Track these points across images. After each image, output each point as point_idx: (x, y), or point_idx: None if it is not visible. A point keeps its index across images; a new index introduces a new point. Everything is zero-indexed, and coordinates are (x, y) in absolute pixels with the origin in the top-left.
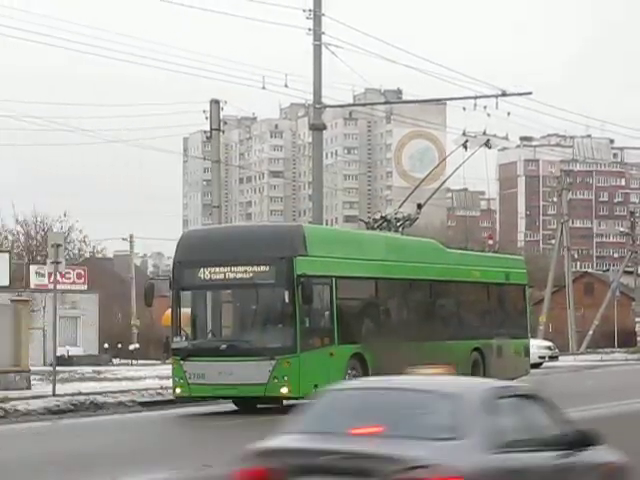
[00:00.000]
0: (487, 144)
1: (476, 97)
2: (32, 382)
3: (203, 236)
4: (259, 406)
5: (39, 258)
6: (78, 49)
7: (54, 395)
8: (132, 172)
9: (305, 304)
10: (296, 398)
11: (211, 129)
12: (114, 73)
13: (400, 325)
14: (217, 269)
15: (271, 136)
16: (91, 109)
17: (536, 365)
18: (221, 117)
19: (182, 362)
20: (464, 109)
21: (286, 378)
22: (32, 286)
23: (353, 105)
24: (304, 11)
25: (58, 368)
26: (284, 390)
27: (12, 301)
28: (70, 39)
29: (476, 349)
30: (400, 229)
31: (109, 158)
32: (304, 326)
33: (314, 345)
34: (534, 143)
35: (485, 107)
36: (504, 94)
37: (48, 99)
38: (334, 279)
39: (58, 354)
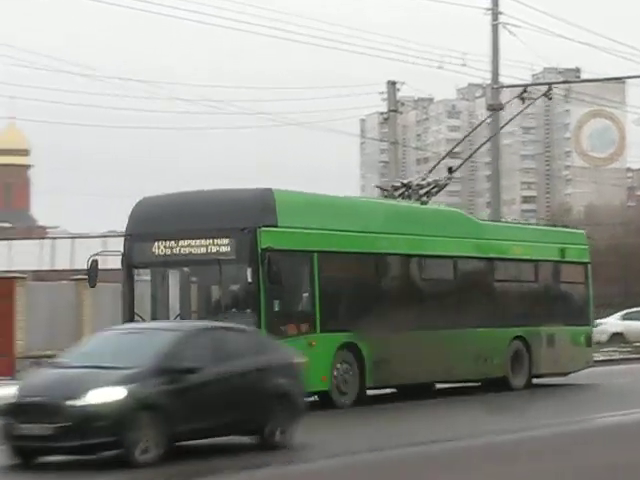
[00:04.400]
0: None
1: None
2: None
3: (157, 204)
4: None
5: None
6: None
7: None
8: (311, 154)
9: (273, 284)
10: None
11: (388, 110)
12: (292, 56)
13: (409, 310)
14: (169, 243)
15: (448, 117)
16: (269, 92)
17: None
18: (398, 98)
19: None
20: None
21: None
22: None
23: (531, 85)
24: None
25: None
26: None
27: None
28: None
29: (518, 338)
30: (425, 197)
31: (286, 141)
32: (271, 310)
33: (286, 333)
34: None
35: None
36: None
37: (220, 81)
38: (316, 254)
39: None
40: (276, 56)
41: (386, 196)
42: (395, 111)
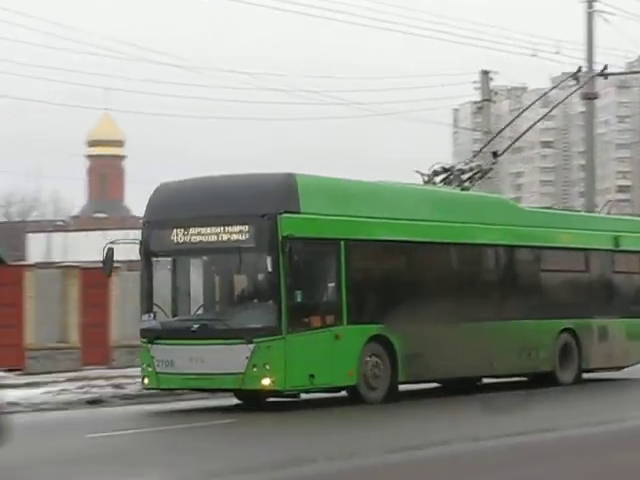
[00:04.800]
0: None
1: None
2: None
3: (175, 190)
4: (271, 400)
5: None
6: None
7: None
8: (404, 144)
9: (295, 273)
10: (283, 392)
11: (482, 100)
12: (385, 47)
13: (445, 301)
14: (187, 230)
15: (542, 106)
16: (362, 82)
17: None
18: (491, 88)
19: (150, 346)
20: None
21: (268, 366)
22: None
23: (627, 73)
24: None
25: None
26: (266, 382)
27: None
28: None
29: (567, 330)
30: (468, 183)
31: (381, 131)
32: (293, 301)
33: (309, 325)
34: None
35: None
36: None
37: (315, 72)
38: (343, 242)
39: None
40: (369, 46)
41: (426, 182)
42: (488, 100)
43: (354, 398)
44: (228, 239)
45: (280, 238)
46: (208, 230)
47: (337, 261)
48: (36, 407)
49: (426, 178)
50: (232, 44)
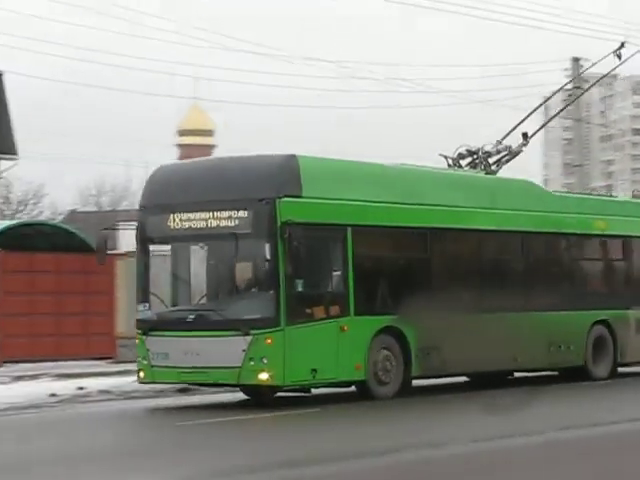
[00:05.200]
0: None
1: None
2: None
3: (172, 173)
4: (280, 394)
5: None
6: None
7: None
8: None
9: (295, 261)
10: (282, 387)
11: (572, 87)
12: (474, 34)
13: (465, 291)
14: (183, 215)
15: (634, 93)
16: (451, 71)
17: None
18: (582, 75)
19: (145, 338)
20: None
21: (265, 360)
22: None
23: None
24: None
25: None
26: (263, 376)
27: None
28: None
29: (601, 322)
30: (495, 166)
31: (471, 119)
32: (293, 291)
33: (312, 316)
34: None
35: None
36: None
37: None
38: (350, 228)
39: None
40: (458, 35)
41: (450, 165)
42: (579, 88)
43: (363, 393)
44: (225, 225)
45: (279, 224)
46: (204, 215)
47: (344, 248)
48: (127, 395)
49: (450, 161)
50: (321, 32)
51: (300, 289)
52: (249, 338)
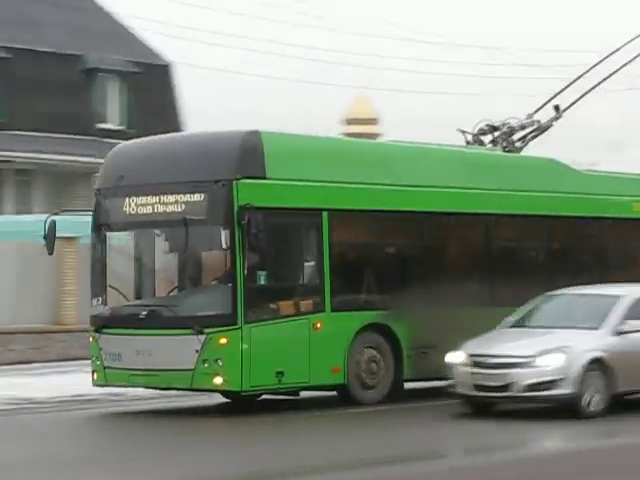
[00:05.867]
0: None
1: None
2: None
3: (128, 153)
4: (265, 397)
5: None
6: None
7: None
8: None
9: (256, 251)
10: (239, 392)
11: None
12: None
13: (467, 284)
14: (137, 200)
15: None
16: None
17: None
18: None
19: (98, 336)
20: None
21: (220, 362)
22: None
23: None
24: None
25: None
26: (218, 380)
27: None
28: None
29: None
30: (520, 143)
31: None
32: (254, 284)
33: (277, 313)
34: None
35: None
36: None
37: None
38: (325, 213)
39: None
40: (593, 15)
41: (469, 142)
42: None
43: (345, 399)
44: (178, 210)
45: (236, 208)
46: (157, 199)
47: (318, 236)
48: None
49: (469, 138)
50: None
51: (262, 282)
52: (202, 337)
